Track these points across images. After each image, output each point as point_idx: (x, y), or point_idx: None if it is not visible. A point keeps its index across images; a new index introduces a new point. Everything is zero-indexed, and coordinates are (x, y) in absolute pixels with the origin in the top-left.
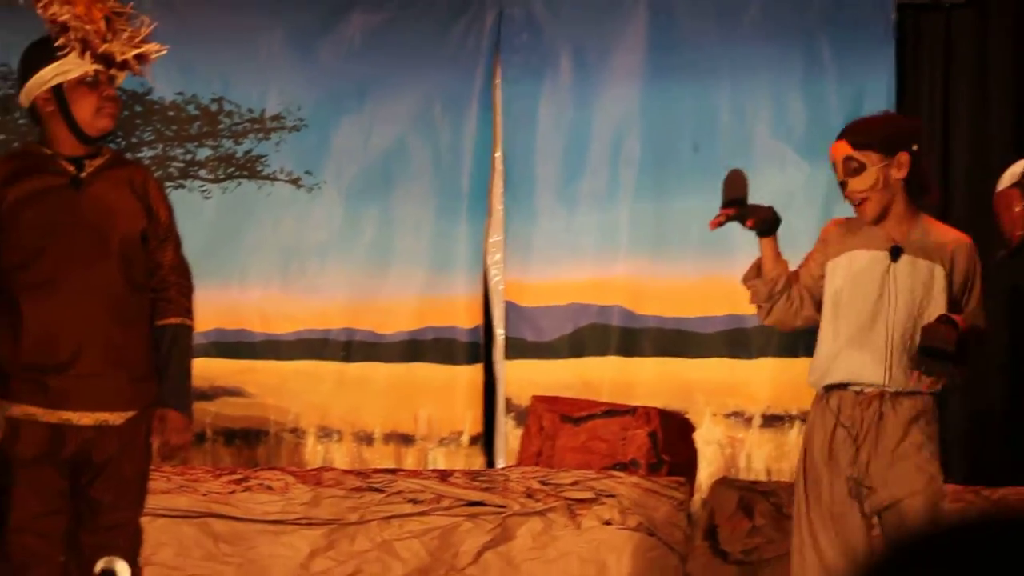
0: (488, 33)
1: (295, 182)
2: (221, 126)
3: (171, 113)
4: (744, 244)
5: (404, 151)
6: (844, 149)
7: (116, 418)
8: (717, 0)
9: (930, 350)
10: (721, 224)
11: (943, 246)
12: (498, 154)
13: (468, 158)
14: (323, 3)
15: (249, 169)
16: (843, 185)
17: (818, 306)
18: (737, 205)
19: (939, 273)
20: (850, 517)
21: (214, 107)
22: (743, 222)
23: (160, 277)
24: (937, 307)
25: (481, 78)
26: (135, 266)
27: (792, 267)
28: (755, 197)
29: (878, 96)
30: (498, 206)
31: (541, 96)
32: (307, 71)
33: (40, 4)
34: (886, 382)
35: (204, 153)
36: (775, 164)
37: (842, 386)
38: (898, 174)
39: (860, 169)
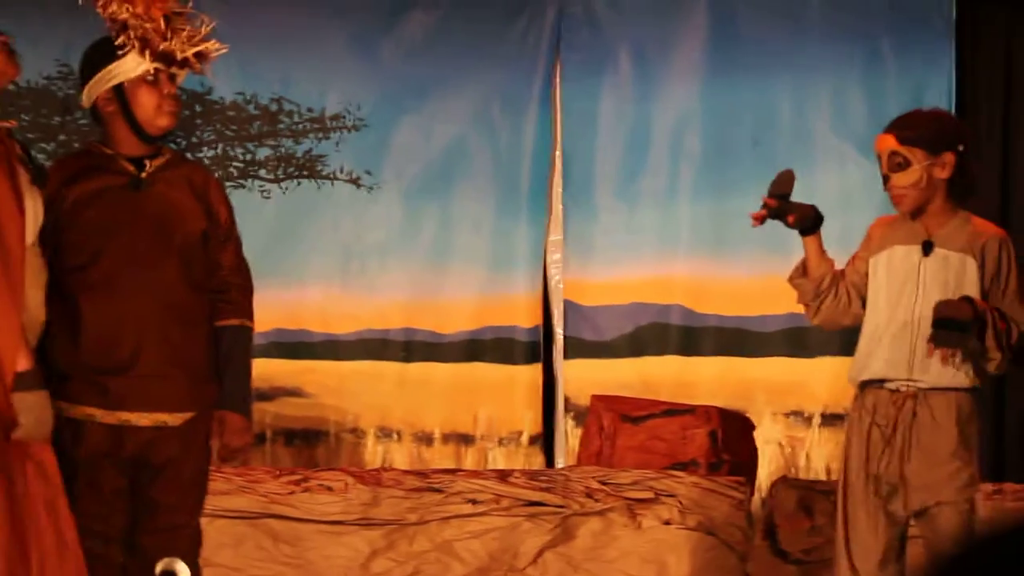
0: (548, 31)
1: (355, 181)
2: (281, 125)
3: (231, 113)
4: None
5: (464, 150)
6: (890, 143)
7: (174, 419)
8: None
9: (943, 321)
10: (762, 220)
11: (976, 238)
12: (558, 152)
13: (528, 157)
14: (383, 2)
15: (309, 169)
16: (886, 179)
17: (865, 303)
18: (780, 199)
19: (971, 266)
20: (877, 518)
21: (274, 107)
22: (784, 218)
23: (220, 278)
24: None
25: (541, 76)
26: (195, 267)
27: (841, 265)
28: (814, 193)
29: (938, 92)
30: (558, 205)
31: (601, 94)
32: (367, 70)
33: (100, 3)
34: (910, 376)
35: (264, 153)
36: (835, 161)
37: (878, 384)
38: (942, 173)
39: (904, 165)
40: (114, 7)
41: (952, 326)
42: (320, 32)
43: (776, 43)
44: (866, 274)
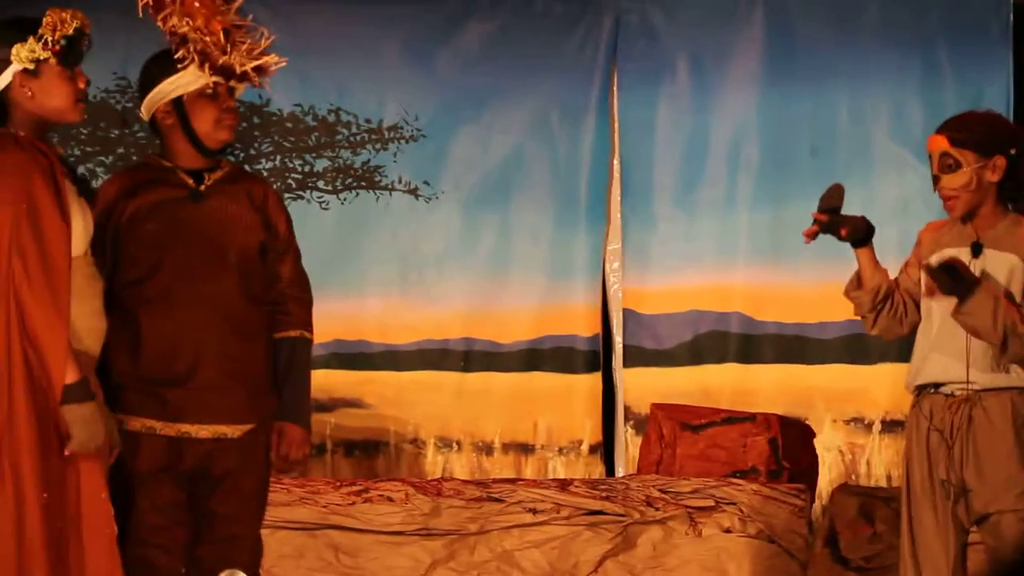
0: (605, 40)
1: (413, 192)
2: (339, 137)
3: (289, 124)
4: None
5: (522, 160)
6: (942, 144)
7: (234, 431)
8: (834, 4)
9: (945, 266)
10: (814, 235)
11: (1023, 239)
12: (616, 162)
13: (586, 166)
14: (440, 12)
15: (367, 179)
16: (936, 179)
17: (920, 309)
18: (830, 213)
19: (1019, 265)
20: (946, 523)
21: (331, 118)
22: (836, 231)
23: (279, 290)
24: (1017, 298)
25: (598, 86)
26: (253, 279)
27: (894, 274)
28: (873, 201)
29: (996, 98)
30: (616, 214)
31: (658, 103)
32: (424, 80)
33: (160, 16)
34: (968, 379)
35: (322, 164)
36: (893, 168)
37: (933, 389)
38: (992, 176)
39: (955, 167)
40: (174, 20)
41: (950, 271)
42: (376, 42)
43: (833, 52)
44: (919, 280)
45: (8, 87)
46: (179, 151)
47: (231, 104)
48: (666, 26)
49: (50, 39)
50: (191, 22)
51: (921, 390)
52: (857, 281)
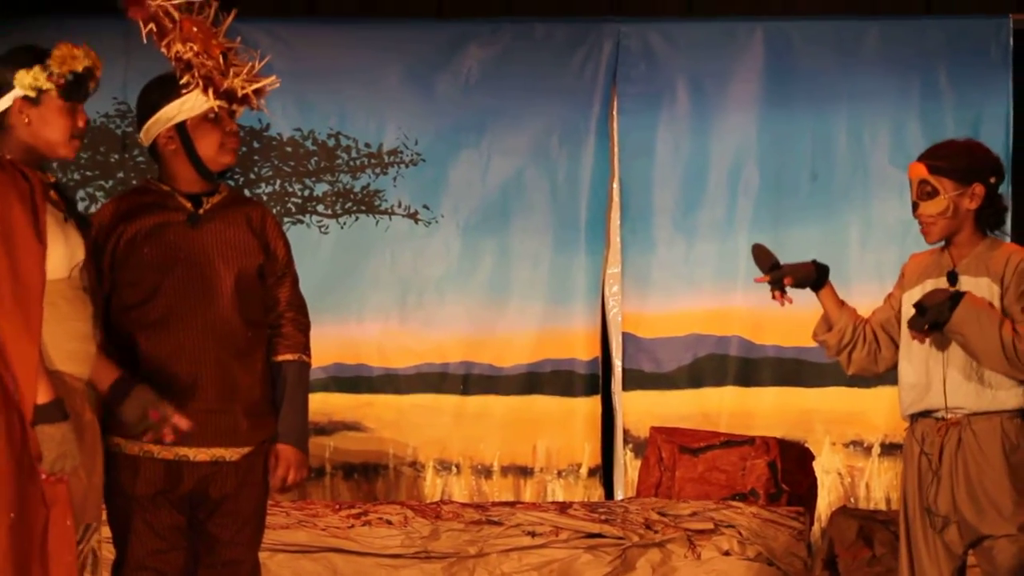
0: (605, 64)
1: (413, 216)
2: (338, 161)
3: (288, 149)
4: (862, 273)
5: (522, 184)
6: (920, 171)
7: (232, 454)
8: (833, 28)
9: (918, 307)
10: (779, 296)
11: (999, 260)
12: (615, 185)
13: (586, 189)
14: (440, 37)
15: (367, 204)
16: (915, 206)
17: (897, 343)
18: (771, 271)
19: (995, 289)
20: (936, 550)
21: (331, 142)
22: (781, 285)
23: (277, 313)
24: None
25: (598, 109)
26: (252, 302)
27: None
28: (872, 224)
29: (996, 122)
30: (616, 237)
31: (658, 126)
32: (424, 105)
33: (164, 43)
34: (947, 405)
35: (322, 188)
36: (893, 192)
37: (925, 415)
38: (970, 204)
39: (933, 194)
40: (179, 46)
41: (922, 311)
42: (377, 67)
43: (832, 75)
44: (899, 311)
45: (7, 111)
46: (180, 175)
47: (233, 127)
48: (666, 50)
49: (56, 71)
50: (194, 47)
51: (915, 416)
52: (826, 324)
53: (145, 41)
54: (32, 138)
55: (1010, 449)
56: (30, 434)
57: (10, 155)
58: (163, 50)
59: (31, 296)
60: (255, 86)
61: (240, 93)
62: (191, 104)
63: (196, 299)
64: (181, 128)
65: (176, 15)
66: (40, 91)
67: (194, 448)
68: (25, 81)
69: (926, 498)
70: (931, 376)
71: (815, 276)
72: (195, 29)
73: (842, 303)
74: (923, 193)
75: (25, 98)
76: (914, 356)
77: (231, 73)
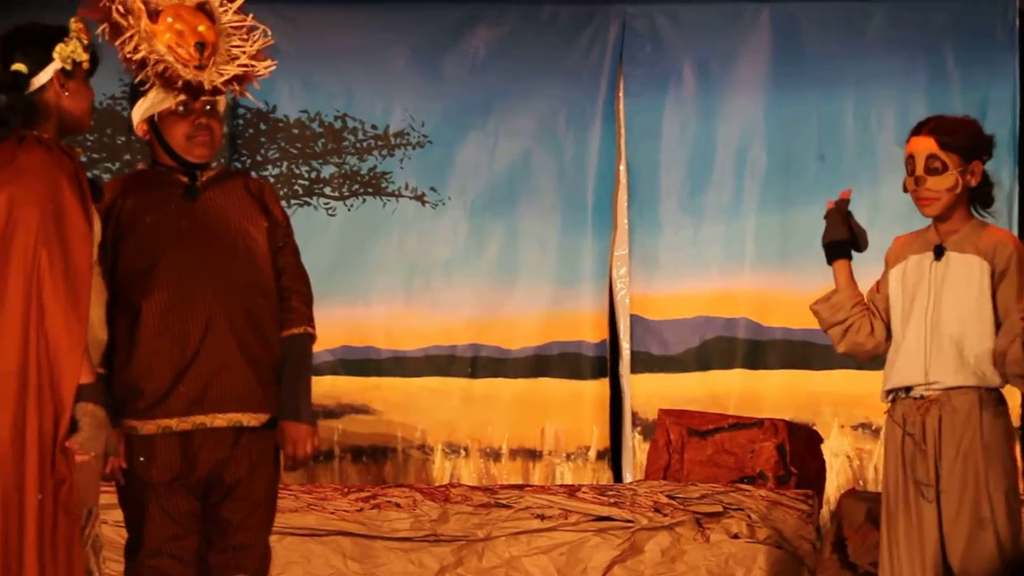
0: (611, 46)
1: (420, 198)
2: (345, 143)
3: (295, 131)
4: (868, 255)
5: (529, 165)
6: (930, 146)
7: (250, 419)
8: (841, 10)
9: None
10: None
11: (988, 240)
12: (622, 167)
13: (592, 172)
14: (446, 18)
15: (374, 186)
16: (917, 180)
17: (889, 326)
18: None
19: (985, 268)
20: (919, 526)
21: (338, 124)
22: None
23: (282, 284)
24: (984, 301)
25: (605, 91)
26: (259, 265)
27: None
28: (879, 206)
29: (1002, 104)
30: (623, 219)
31: (665, 108)
32: (431, 87)
33: (119, 42)
34: (928, 379)
35: (329, 170)
36: (901, 174)
37: (904, 394)
38: (972, 181)
39: (942, 169)
40: (128, 47)
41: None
42: (383, 48)
43: (839, 57)
44: (887, 296)
45: (43, 87)
46: (166, 163)
47: (203, 121)
48: (672, 31)
49: (85, 43)
50: (150, 44)
51: (894, 396)
52: (827, 296)
53: (100, 41)
54: (70, 111)
55: (988, 421)
56: (60, 417)
57: (46, 134)
58: (118, 49)
59: (80, 277)
60: (227, 75)
61: (208, 86)
62: (155, 100)
63: (201, 266)
64: (151, 122)
65: (138, 7)
66: (76, 63)
67: (211, 415)
68: (65, 53)
69: (915, 472)
70: (913, 353)
71: (847, 236)
72: (170, 19)
73: (851, 282)
74: (931, 168)
75: (62, 71)
76: (898, 333)
77: (209, 63)
